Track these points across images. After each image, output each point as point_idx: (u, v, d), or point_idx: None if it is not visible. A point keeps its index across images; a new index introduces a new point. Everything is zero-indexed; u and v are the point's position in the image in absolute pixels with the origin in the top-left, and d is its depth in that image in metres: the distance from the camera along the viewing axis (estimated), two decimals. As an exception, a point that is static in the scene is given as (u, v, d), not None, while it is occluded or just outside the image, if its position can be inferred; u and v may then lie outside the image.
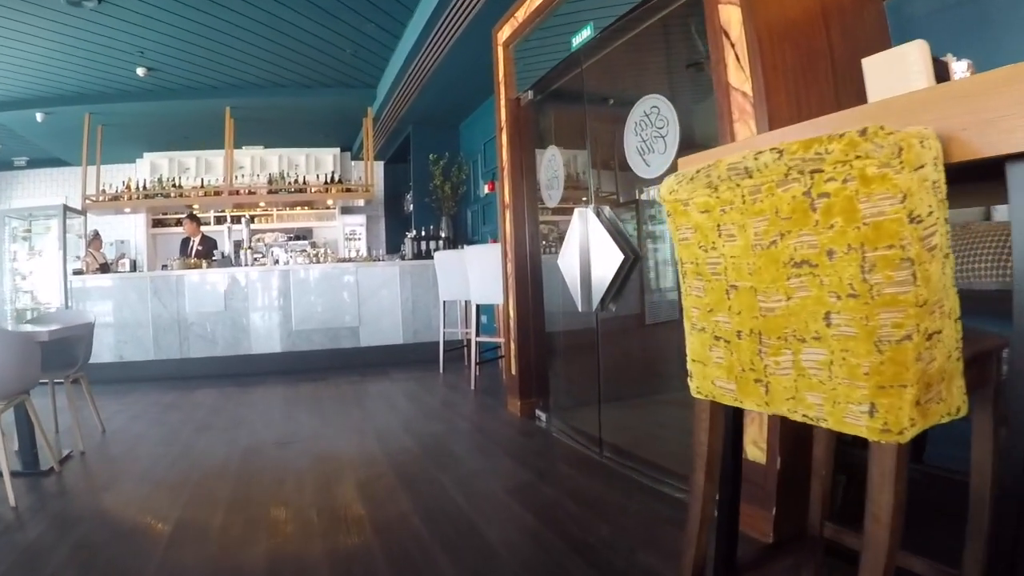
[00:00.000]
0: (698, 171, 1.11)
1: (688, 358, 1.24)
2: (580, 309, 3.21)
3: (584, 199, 3.51)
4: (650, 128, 2.85)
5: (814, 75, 2.46)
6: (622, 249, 2.94)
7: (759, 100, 2.32)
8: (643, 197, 4.06)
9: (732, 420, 1.37)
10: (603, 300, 3.08)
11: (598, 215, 3.11)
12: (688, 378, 1.26)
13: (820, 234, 0.96)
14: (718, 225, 1.10)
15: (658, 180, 2.88)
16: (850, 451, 1.81)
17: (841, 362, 0.97)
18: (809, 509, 1.78)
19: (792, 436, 2.21)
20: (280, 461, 3.36)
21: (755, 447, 2.34)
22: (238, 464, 3.31)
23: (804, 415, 1.05)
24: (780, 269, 1.02)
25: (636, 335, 3.96)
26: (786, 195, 0.99)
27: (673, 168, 2.76)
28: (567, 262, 3.31)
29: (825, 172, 0.94)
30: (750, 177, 1.02)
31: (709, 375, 1.19)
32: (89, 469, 3.39)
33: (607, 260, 3.01)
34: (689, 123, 2.77)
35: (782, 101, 2.34)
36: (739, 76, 2.40)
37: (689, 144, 2.71)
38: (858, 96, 1.64)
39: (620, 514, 2.48)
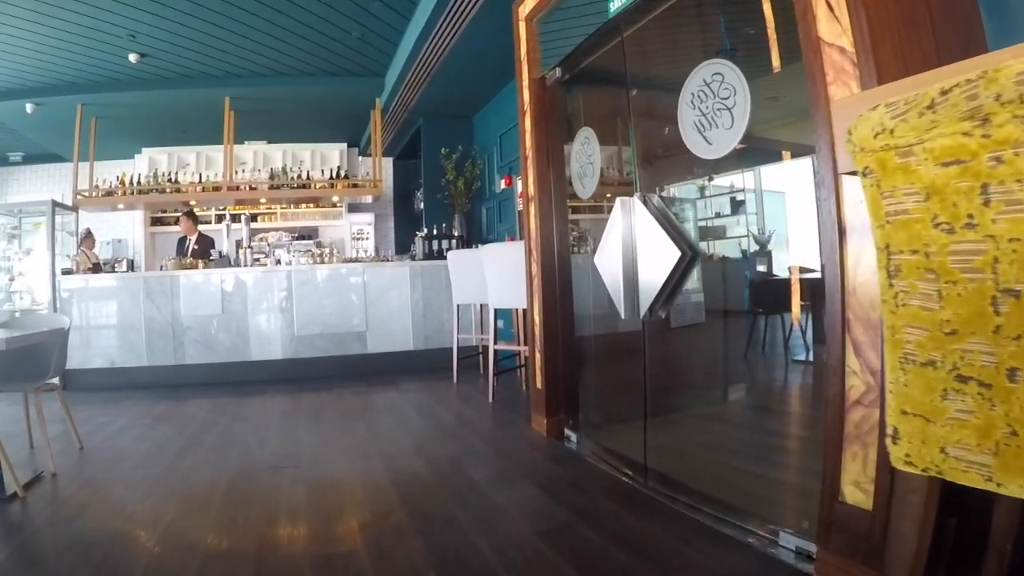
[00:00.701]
0: (944, 92, 0.64)
1: (890, 407, 0.77)
2: (624, 316, 2.74)
3: (608, 193, 3.06)
4: (712, 99, 2.38)
5: (915, 30, 2.00)
6: (678, 245, 2.46)
7: (864, 56, 1.86)
8: (663, 194, 3.62)
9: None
10: (652, 306, 2.60)
11: (646, 204, 2.64)
12: (890, 439, 0.79)
13: None
14: (984, 185, 0.63)
15: (722, 161, 2.43)
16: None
17: None
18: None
19: (909, 477, 1.75)
20: (272, 490, 2.90)
21: (857, 488, 1.86)
22: (224, 494, 2.86)
23: None
24: None
25: (666, 341, 3.51)
26: None
27: (743, 143, 2.32)
28: (606, 261, 2.84)
29: None
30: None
31: (937, 438, 0.72)
32: (57, 495, 2.96)
33: (659, 258, 2.53)
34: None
35: (888, 57, 1.88)
36: (833, 29, 1.94)
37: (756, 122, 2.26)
38: (955, 57, 1.32)
39: (681, 567, 2.03)
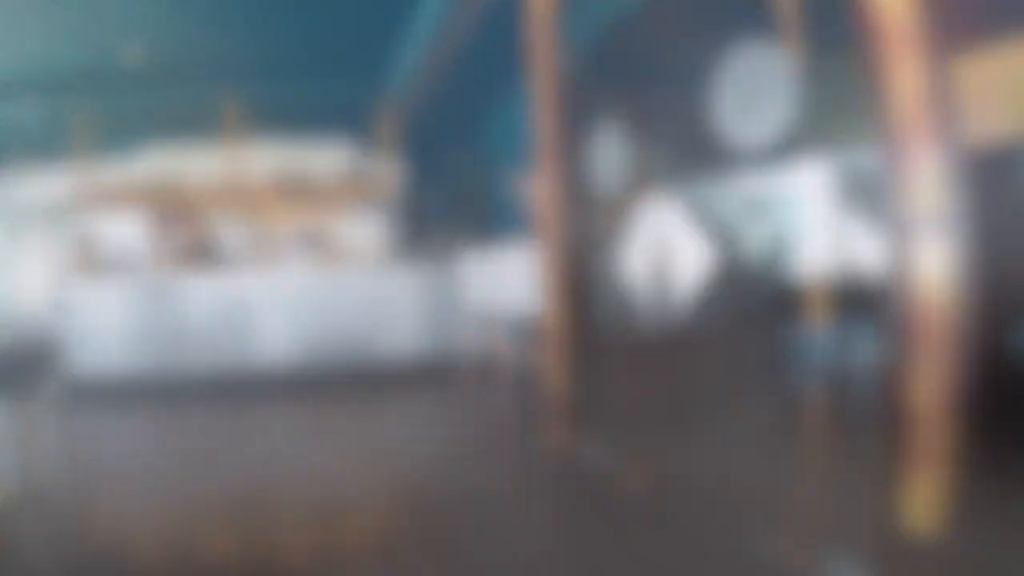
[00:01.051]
0: None
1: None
2: (651, 321, 2.55)
3: (634, 190, 2.88)
4: (751, 82, 2.18)
5: (973, 5, 1.86)
6: (714, 245, 2.28)
7: (935, 30, 1.70)
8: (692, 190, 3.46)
9: None
10: (685, 312, 2.41)
11: (678, 201, 2.45)
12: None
13: None
14: None
15: (753, 155, 2.25)
16: None
17: None
18: None
19: (981, 505, 1.56)
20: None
21: (926, 518, 1.70)
22: (220, 514, 2.67)
23: None
24: None
25: (688, 347, 3.34)
26: None
27: (787, 132, 2.13)
28: (633, 262, 2.65)
29: None
30: None
31: None
32: (42, 513, 2.80)
33: (693, 259, 2.34)
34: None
35: (956, 29, 1.75)
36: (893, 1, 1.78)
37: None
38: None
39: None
